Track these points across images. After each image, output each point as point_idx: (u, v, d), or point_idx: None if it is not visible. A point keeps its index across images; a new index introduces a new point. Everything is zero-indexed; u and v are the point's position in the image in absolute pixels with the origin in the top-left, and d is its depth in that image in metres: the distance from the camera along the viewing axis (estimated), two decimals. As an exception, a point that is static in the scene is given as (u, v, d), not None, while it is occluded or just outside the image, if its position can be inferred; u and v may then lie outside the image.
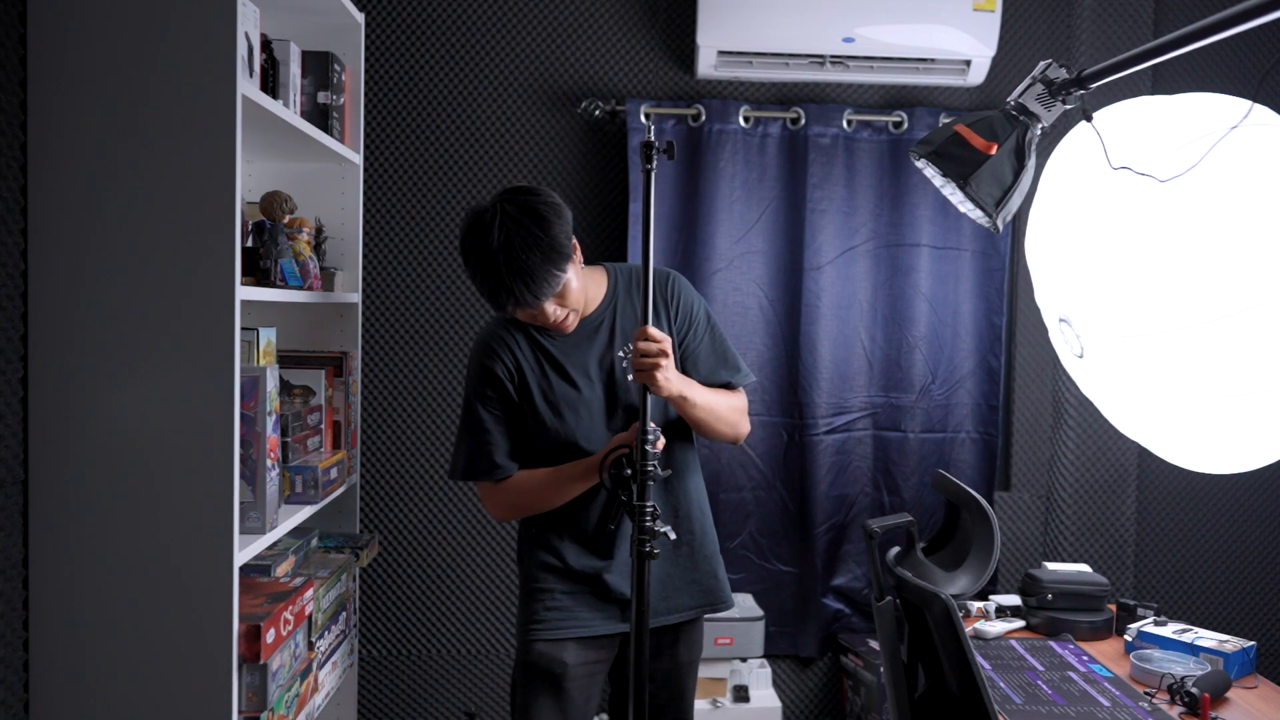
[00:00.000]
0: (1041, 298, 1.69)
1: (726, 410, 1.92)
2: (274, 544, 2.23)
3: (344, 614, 2.44)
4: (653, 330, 1.74)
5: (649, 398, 1.73)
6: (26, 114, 1.72)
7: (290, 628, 1.99)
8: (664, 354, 1.73)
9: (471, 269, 1.79)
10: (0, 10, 1.66)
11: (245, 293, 1.81)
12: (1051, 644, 2.35)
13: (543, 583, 1.93)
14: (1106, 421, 1.71)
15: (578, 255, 1.84)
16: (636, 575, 1.69)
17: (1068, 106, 1.57)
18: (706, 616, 2.04)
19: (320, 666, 2.23)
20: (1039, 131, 1.58)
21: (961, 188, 1.56)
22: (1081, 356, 1.60)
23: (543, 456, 1.91)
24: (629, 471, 1.72)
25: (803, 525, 3.05)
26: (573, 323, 1.87)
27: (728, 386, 1.98)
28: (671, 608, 1.94)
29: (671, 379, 1.76)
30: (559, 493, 1.88)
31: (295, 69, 2.20)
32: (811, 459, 3.02)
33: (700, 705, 2.76)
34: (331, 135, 2.37)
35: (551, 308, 1.81)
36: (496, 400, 1.90)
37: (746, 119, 2.98)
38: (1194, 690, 1.95)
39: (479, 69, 3.00)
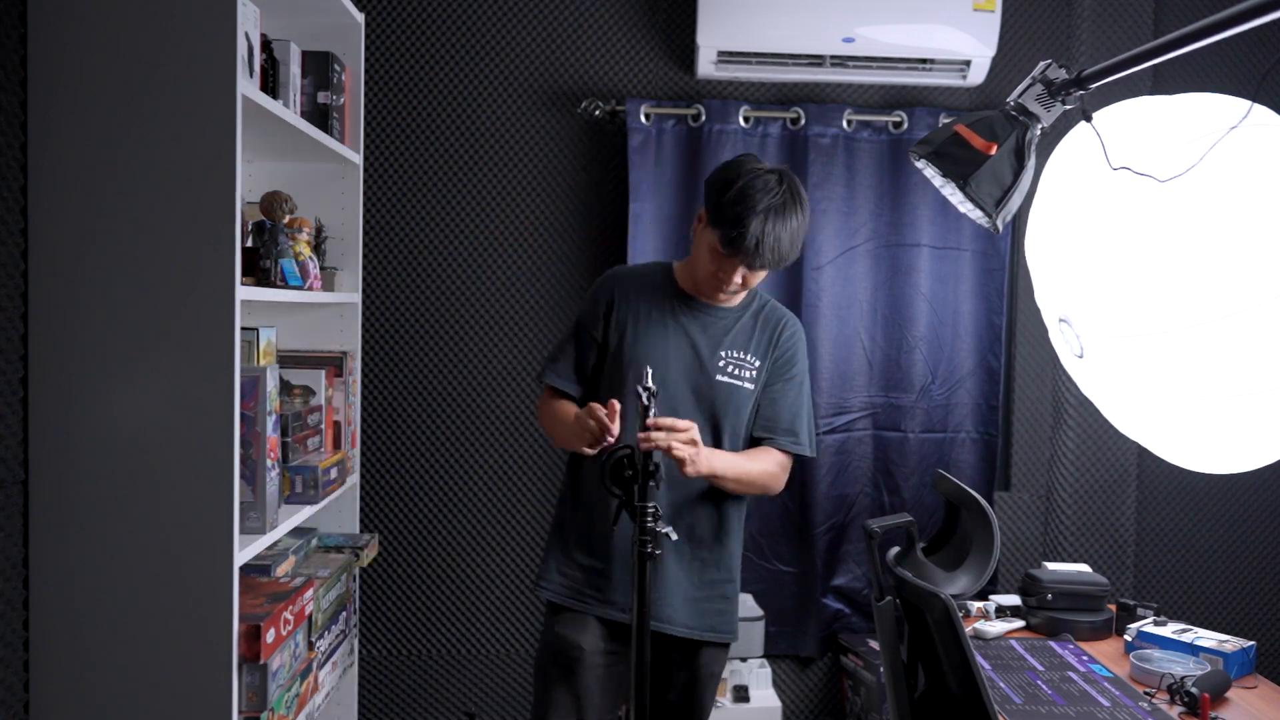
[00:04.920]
0: (1041, 298, 1.69)
1: (759, 475, 1.95)
2: (274, 544, 2.23)
3: (344, 614, 2.44)
4: (677, 422, 1.79)
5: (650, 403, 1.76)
6: (26, 114, 1.72)
7: (290, 628, 1.99)
8: (692, 443, 1.79)
9: (734, 199, 1.82)
10: (0, 10, 1.66)
11: (245, 293, 1.81)
12: (1051, 644, 2.35)
13: (563, 546, 2.00)
14: (1106, 421, 1.71)
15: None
16: (638, 575, 1.69)
17: (1067, 107, 1.57)
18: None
19: (320, 666, 2.23)
20: (1039, 132, 1.58)
21: (961, 188, 1.56)
22: (1081, 356, 1.60)
23: (607, 381, 1.99)
24: (629, 473, 1.72)
25: (803, 525, 3.05)
26: (731, 302, 1.98)
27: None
28: (667, 616, 1.93)
29: (699, 461, 1.82)
30: (557, 426, 1.98)
31: (295, 69, 2.20)
32: (811, 459, 3.02)
33: (700, 705, 2.76)
34: (331, 135, 2.38)
35: (743, 276, 1.89)
36: (591, 320, 2.01)
37: (746, 119, 2.97)
38: (1194, 690, 1.95)
39: (479, 69, 3.00)
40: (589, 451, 1.85)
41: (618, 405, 1.78)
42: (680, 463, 1.78)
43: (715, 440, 1.95)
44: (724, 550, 1.99)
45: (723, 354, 1.96)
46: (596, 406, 1.79)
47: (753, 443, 2.01)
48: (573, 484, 2.03)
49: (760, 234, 1.81)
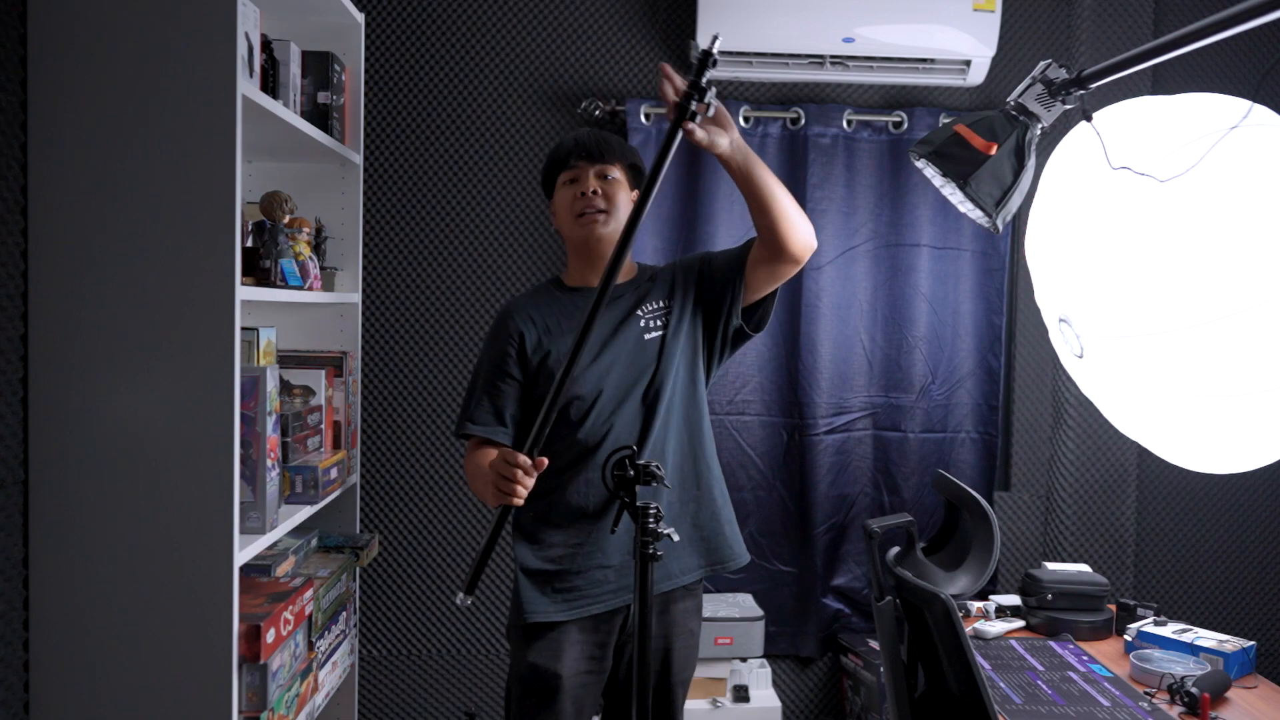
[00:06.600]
0: (1041, 298, 1.69)
1: (785, 192, 1.86)
2: (274, 544, 2.23)
3: (344, 614, 2.44)
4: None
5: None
6: (26, 114, 1.72)
7: (290, 628, 1.99)
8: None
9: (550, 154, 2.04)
10: (0, 10, 1.66)
11: (245, 293, 1.81)
12: (1051, 644, 2.35)
13: (544, 565, 1.91)
14: (1106, 421, 1.71)
15: (631, 194, 1.98)
16: (640, 578, 1.69)
17: (1068, 106, 1.57)
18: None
19: (320, 666, 2.23)
20: (1039, 131, 1.58)
21: (961, 188, 1.56)
22: (1081, 356, 1.60)
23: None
24: (631, 473, 1.72)
25: (803, 525, 3.05)
26: (600, 216, 1.93)
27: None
28: (684, 568, 1.91)
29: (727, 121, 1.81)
30: (475, 479, 1.86)
31: (295, 69, 2.20)
32: (811, 459, 3.02)
33: (700, 705, 2.76)
34: (331, 135, 2.38)
35: (595, 179, 1.94)
36: (503, 359, 1.93)
37: (746, 119, 2.97)
38: (1194, 690, 1.95)
39: (479, 69, 3.00)
40: (512, 500, 1.65)
41: (545, 462, 1.67)
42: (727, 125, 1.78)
43: (657, 398, 1.91)
44: (706, 485, 1.96)
45: (639, 312, 1.95)
46: (518, 455, 1.64)
47: (739, 261, 1.96)
48: (553, 500, 1.90)
49: (577, 136, 1.99)
